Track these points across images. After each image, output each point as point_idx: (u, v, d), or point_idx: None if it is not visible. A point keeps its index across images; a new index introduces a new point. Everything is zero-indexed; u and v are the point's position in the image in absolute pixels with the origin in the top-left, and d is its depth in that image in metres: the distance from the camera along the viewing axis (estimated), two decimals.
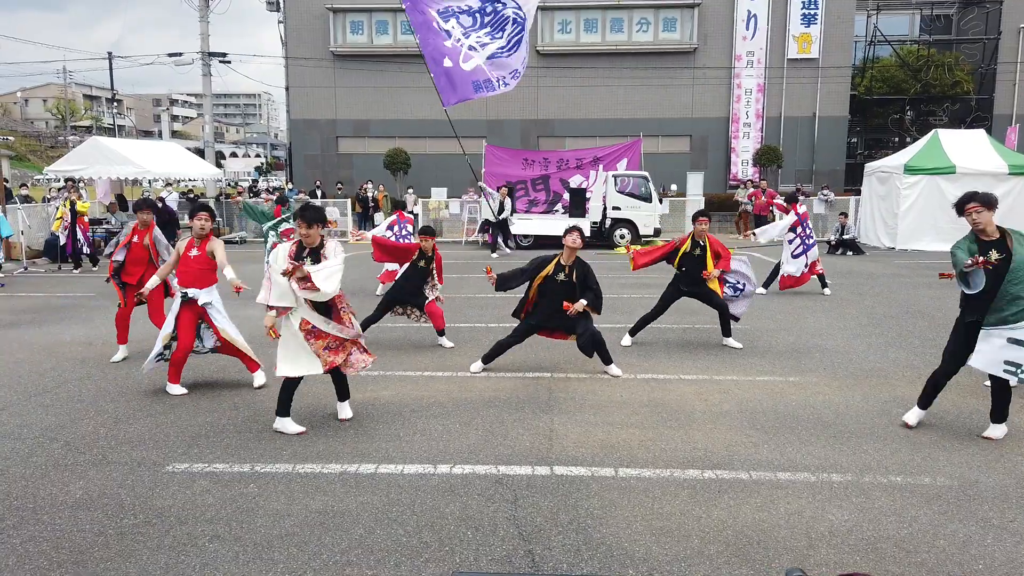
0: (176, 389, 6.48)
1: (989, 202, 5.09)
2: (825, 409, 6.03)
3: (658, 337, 8.54)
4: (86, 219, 16.12)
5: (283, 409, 5.49)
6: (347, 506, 4.28)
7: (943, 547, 3.81)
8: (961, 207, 5.14)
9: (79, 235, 15.54)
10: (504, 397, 6.36)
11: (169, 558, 3.71)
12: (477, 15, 13.50)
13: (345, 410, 5.82)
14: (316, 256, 5.35)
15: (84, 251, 15.75)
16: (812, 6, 28.59)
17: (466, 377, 6.94)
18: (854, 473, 4.73)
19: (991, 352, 5.12)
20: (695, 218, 8.10)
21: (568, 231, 6.82)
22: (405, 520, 4.11)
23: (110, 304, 11.05)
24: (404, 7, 13.51)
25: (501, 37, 13.52)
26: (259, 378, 6.74)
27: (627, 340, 8.31)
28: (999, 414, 5.33)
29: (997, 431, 5.33)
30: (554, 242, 17.65)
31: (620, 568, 3.62)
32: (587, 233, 18.91)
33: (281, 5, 30.31)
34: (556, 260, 6.86)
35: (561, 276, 6.82)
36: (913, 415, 5.62)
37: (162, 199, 18.01)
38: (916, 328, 9.06)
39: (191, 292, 6.48)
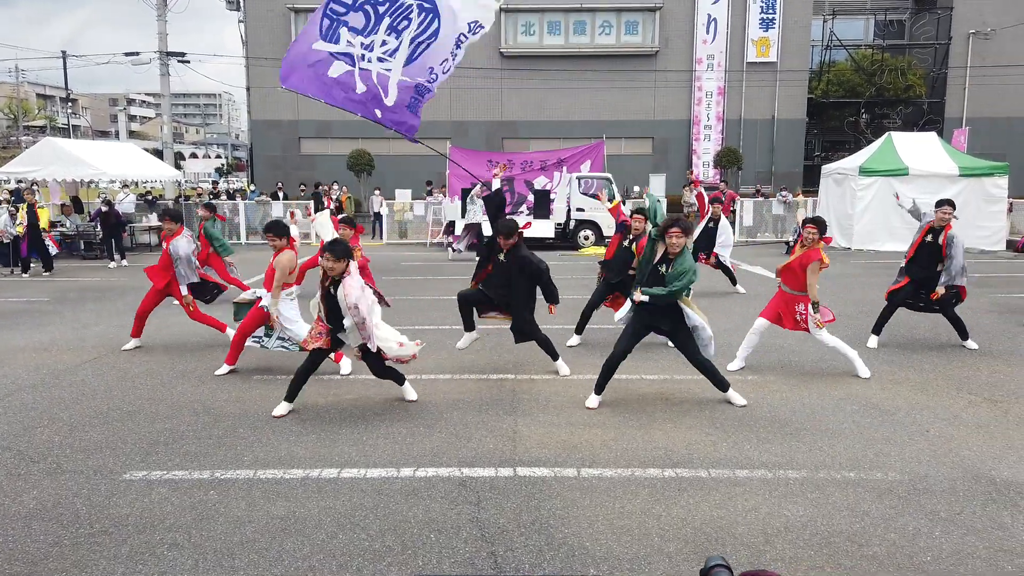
0: (223, 368, 7.28)
1: (688, 229, 5.96)
2: (782, 407, 6.16)
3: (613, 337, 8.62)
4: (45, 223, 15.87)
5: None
6: (309, 511, 4.26)
7: (893, 540, 3.93)
8: (664, 229, 5.88)
9: (46, 239, 15.28)
10: (468, 399, 6.38)
11: (127, 568, 3.66)
12: (367, 8, 10.90)
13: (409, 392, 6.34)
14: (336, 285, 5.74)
15: (51, 253, 15.39)
16: (770, 11, 29.10)
17: (430, 380, 6.95)
18: (809, 469, 4.85)
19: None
20: (632, 215, 8.18)
21: (497, 234, 6.98)
22: (368, 524, 4.11)
23: (65, 309, 10.82)
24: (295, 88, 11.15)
25: (408, 28, 10.92)
26: (344, 366, 7.24)
27: (575, 339, 8.39)
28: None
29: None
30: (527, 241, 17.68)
31: (582, 567, 3.67)
32: (551, 234, 19.10)
33: (241, 4, 29.91)
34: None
35: (501, 256, 7.01)
36: (594, 399, 6.19)
37: (110, 203, 17.57)
38: (869, 327, 9.29)
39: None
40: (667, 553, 3.80)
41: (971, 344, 8.15)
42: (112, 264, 16.22)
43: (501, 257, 6.99)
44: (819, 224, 6.87)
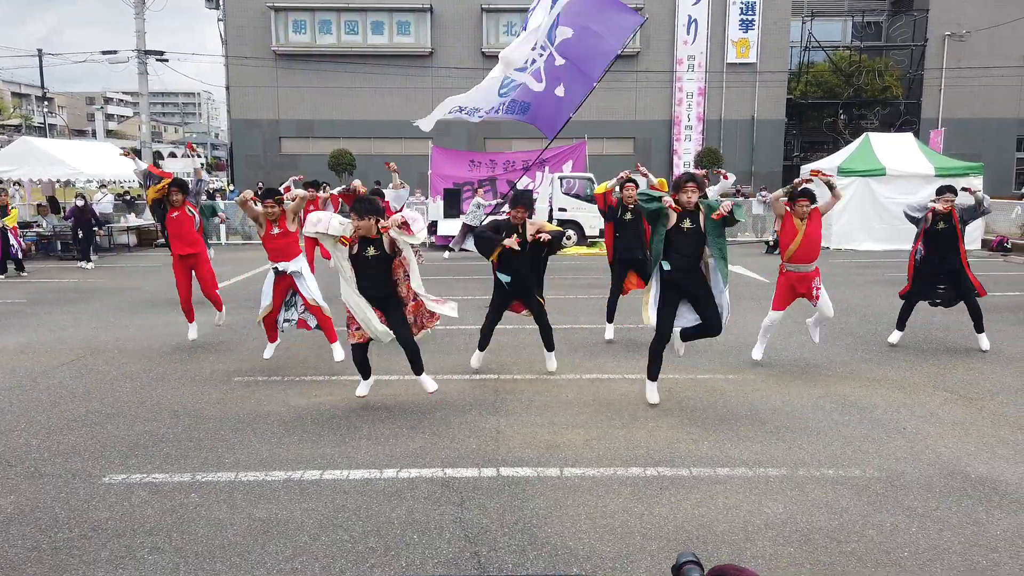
0: (268, 351, 7.57)
1: (702, 184, 6.05)
2: (762, 405, 6.22)
3: (603, 337, 8.67)
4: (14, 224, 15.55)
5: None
6: (291, 513, 4.25)
7: (872, 536, 3.99)
8: (681, 185, 5.90)
9: (11, 241, 14.94)
10: (451, 399, 6.38)
11: (106, 572, 3.63)
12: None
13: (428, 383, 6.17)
14: (377, 245, 5.71)
15: (18, 255, 15.10)
16: (750, 12, 29.34)
17: (412, 380, 6.92)
18: (789, 467, 4.91)
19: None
20: (623, 184, 8.09)
21: (515, 205, 6.71)
22: (351, 526, 4.10)
23: (41, 311, 10.68)
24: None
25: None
26: (338, 352, 7.30)
27: (610, 332, 8.56)
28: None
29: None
30: None
31: (565, 567, 3.69)
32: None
33: (221, 3, 29.67)
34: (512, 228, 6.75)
35: (516, 240, 6.69)
36: (653, 393, 6.23)
37: (83, 197, 17.25)
38: (848, 325, 9.41)
39: (280, 266, 7.29)
40: (649, 552, 3.83)
41: (984, 343, 8.11)
42: (89, 265, 16.02)
43: (516, 244, 6.62)
44: (810, 195, 7.17)
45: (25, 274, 14.83)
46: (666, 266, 5.97)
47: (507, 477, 4.74)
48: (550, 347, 7.15)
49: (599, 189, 8.60)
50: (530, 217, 6.84)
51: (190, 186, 8.59)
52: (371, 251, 5.69)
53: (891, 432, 5.57)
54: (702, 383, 6.83)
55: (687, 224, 5.90)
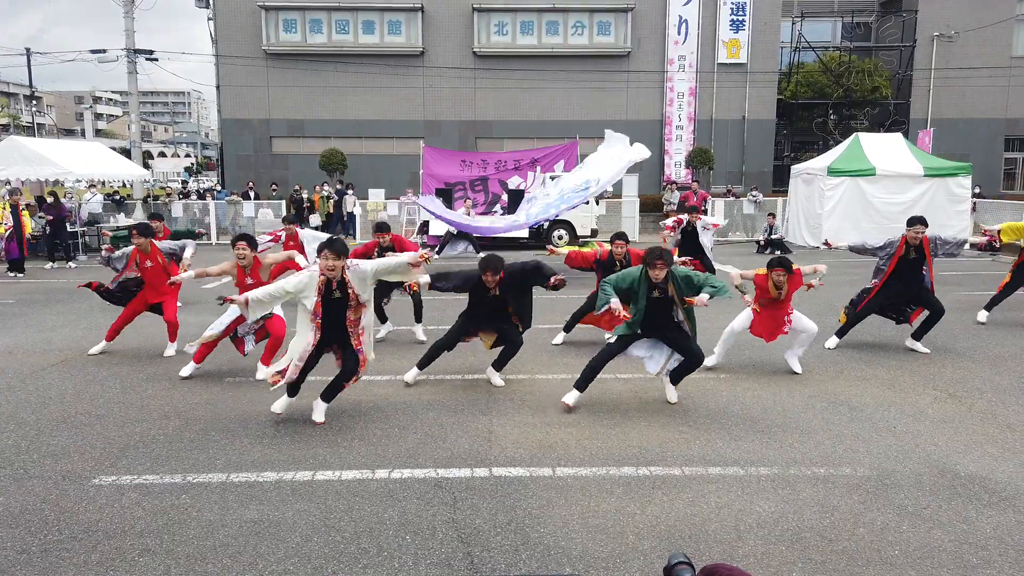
0: (188, 369, 7.15)
1: (670, 261, 5.98)
2: (753, 404, 6.24)
3: (595, 338, 8.68)
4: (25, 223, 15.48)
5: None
6: (283, 515, 4.23)
7: (862, 535, 4.01)
8: (652, 262, 5.90)
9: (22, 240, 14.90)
10: (443, 400, 6.37)
11: (97, 575, 3.61)
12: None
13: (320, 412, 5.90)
14: (341, 287, 5.60)
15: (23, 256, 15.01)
16: (740, 12, 29.43)
17: (404, 380, 6.92)
18: (780, 466, 4.93)
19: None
20: (613, 240, 8.26)
21: (484, 269, 6.50)
22: (343, 527, 4.09)
23: (30, 312, 10.60)
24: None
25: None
26: (261, 372, 6.98)
27: (560, 338, 8.53)
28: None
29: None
30: (494, 242, 17.68)
31: (558, 566, 3.69)
32: (525, 234, 19.14)
33: (211, 2, 29.54)
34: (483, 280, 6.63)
35: (490, 294, 6.66)
36: (571, 397, 6.11)
37: (54, 194, 16.99)
38: (838, 325, 9.44)
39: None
40: (642, 551, 3.83)
41: (922, 347, 8.14)
42: (71, 265, 15.85)
43: (490, 294, 6.62)
44: (785, 264, 6.91)
45: (22, 275, 14.69)
46: (639, 330, 6.12)
47: (499, 477, 4.74)
48: (498, 367, 6.88)
49: (576, 253, 8.52)
50: (497, 273, 6.50)
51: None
52: (337, 294, 5.62)
53: (881, 431, 5.60)
54: (693, 382, 6.84)
55: (655, 294, 6.03)
